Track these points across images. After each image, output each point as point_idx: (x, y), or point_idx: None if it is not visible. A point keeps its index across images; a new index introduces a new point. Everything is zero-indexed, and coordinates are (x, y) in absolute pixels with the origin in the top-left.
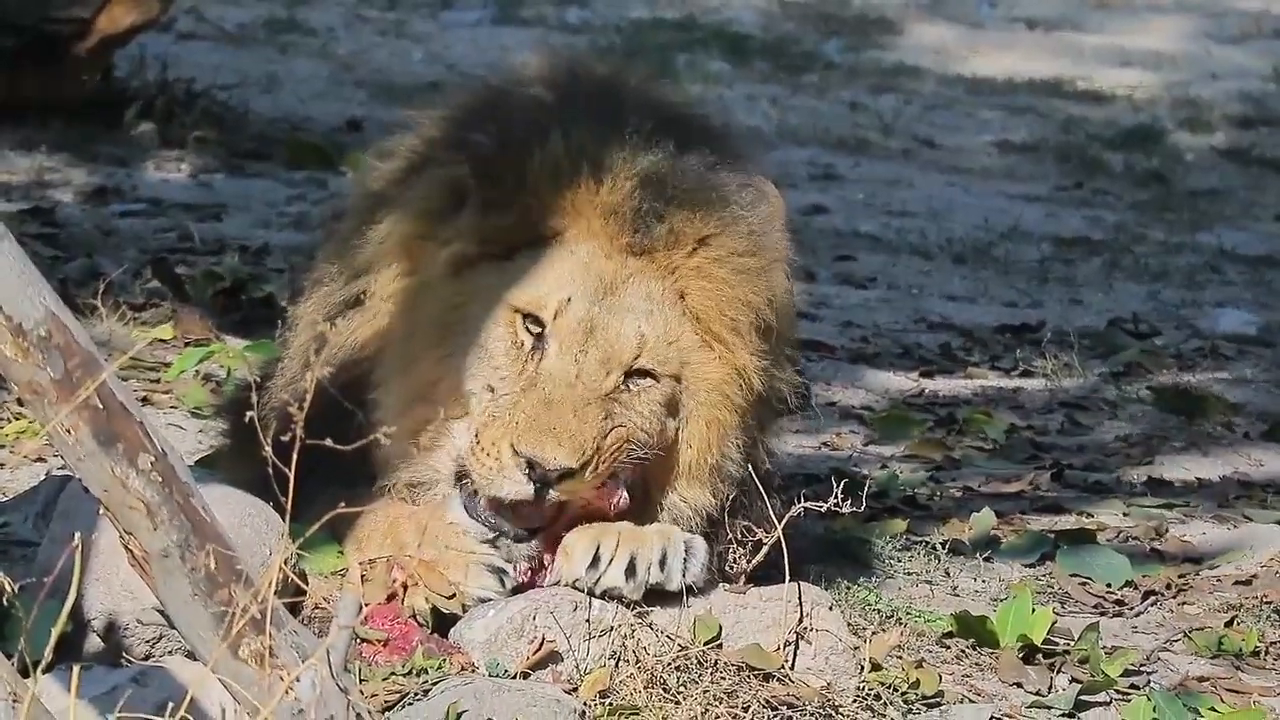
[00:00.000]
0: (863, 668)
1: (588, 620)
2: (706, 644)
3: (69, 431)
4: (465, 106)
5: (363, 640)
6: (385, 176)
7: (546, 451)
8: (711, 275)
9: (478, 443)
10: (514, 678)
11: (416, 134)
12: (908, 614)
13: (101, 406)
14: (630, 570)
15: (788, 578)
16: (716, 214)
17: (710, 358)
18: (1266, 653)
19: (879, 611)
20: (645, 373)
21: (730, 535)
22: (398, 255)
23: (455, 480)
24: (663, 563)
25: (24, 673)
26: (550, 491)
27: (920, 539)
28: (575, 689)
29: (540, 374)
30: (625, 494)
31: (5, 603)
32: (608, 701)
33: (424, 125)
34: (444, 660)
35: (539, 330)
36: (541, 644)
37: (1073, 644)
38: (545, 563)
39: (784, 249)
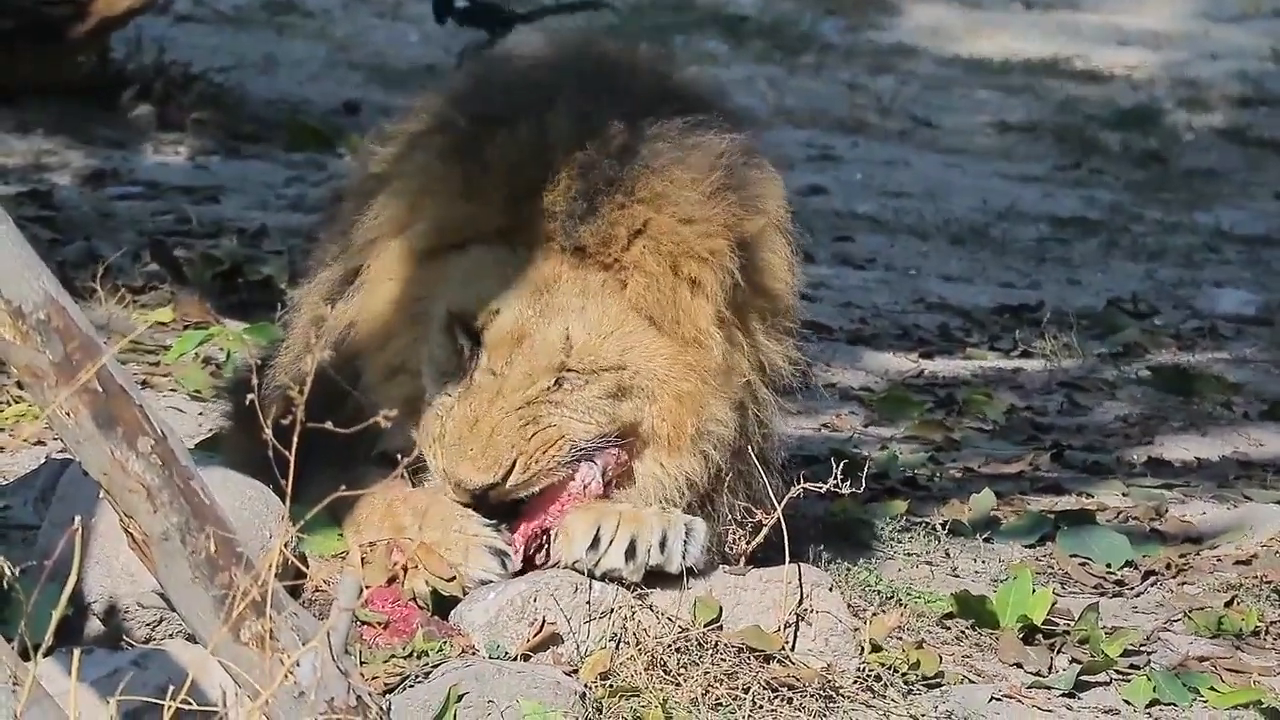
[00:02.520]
0: (863, 649)
1: (588, 602)
2: (707, 625)
3: (68, 415)
4: (458, 90)
5: (363, 623)
6: (384, 159)
7: (463, 473)
8: (647, 268)
9: (429, 438)
10: (515, 660)
11: (414, 117)
12: (908, 595)
13: (101, 390)
14: (630, 552)
15: (787, 559)
16: (655, 197)
17: (659, 335)
18: (1266, 632)
19: (879, 593)
20: (575, 372)
21: (730, 516)
22: (391, 235)
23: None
24: (663, 544)
25: (24, 656)
26: (489, 495)
27: (920, 520)
28: (576, 671)
29: (471, 385)
30: (598, 475)
31: (5, 586)
32: (608, 683)
33: (421, 109)
34: (445, 643)
35: (475, 335)
36: (542, 626)
37: (1073, 624)
38: (518, 545)
39: (778, 214)
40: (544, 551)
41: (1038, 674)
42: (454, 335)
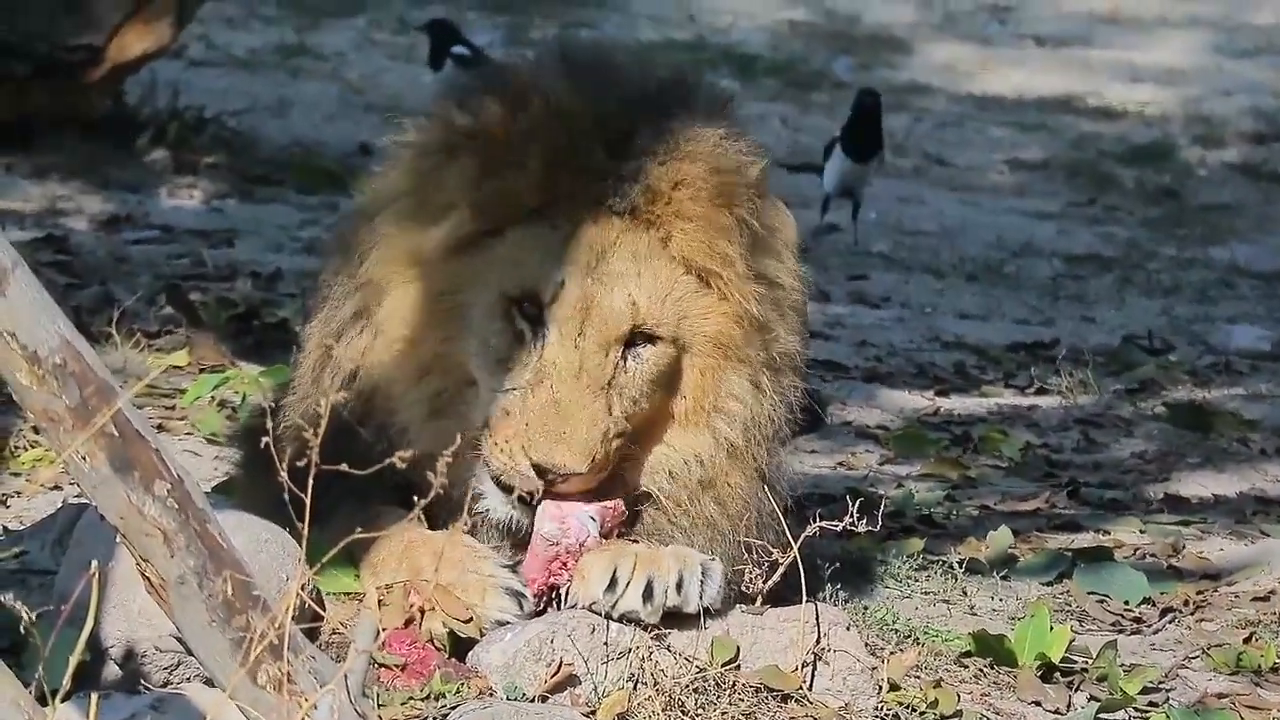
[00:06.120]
0: (881, 688)
1: (605, 643)
2: (724, 665)
3: (85, 459)
4: (453, 94)
5: (380, 665)
6: (385, 175)
7: (558, 459)
8: (689, 213)
9: (493, 438)
10: (532, 701)
11: (415, 132)
12: (925, 633)
13: (117, 433)
14: (648, 593)
15: (804, 598)
16: (688, 154)
17: (708, 305)
18: None
19: (896, 631)
20: (646, 337)
21: (747, 556)
22: (407, 248)
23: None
24: (679, 585)
25: (42, 701)
26: (559, 487)
27: (937, 558)
28: (593, 712)
29: (544, 366)
30: (594, 532)
31: (23, 631)
32: None
33: (415, 125)
34: (462, 684)
35: (535, 314)
36: (559, 667)
37: (1091, 662)
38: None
39: (791, 238)
40: (553, 606)
41: (1056, 712)
42: (511, 319)
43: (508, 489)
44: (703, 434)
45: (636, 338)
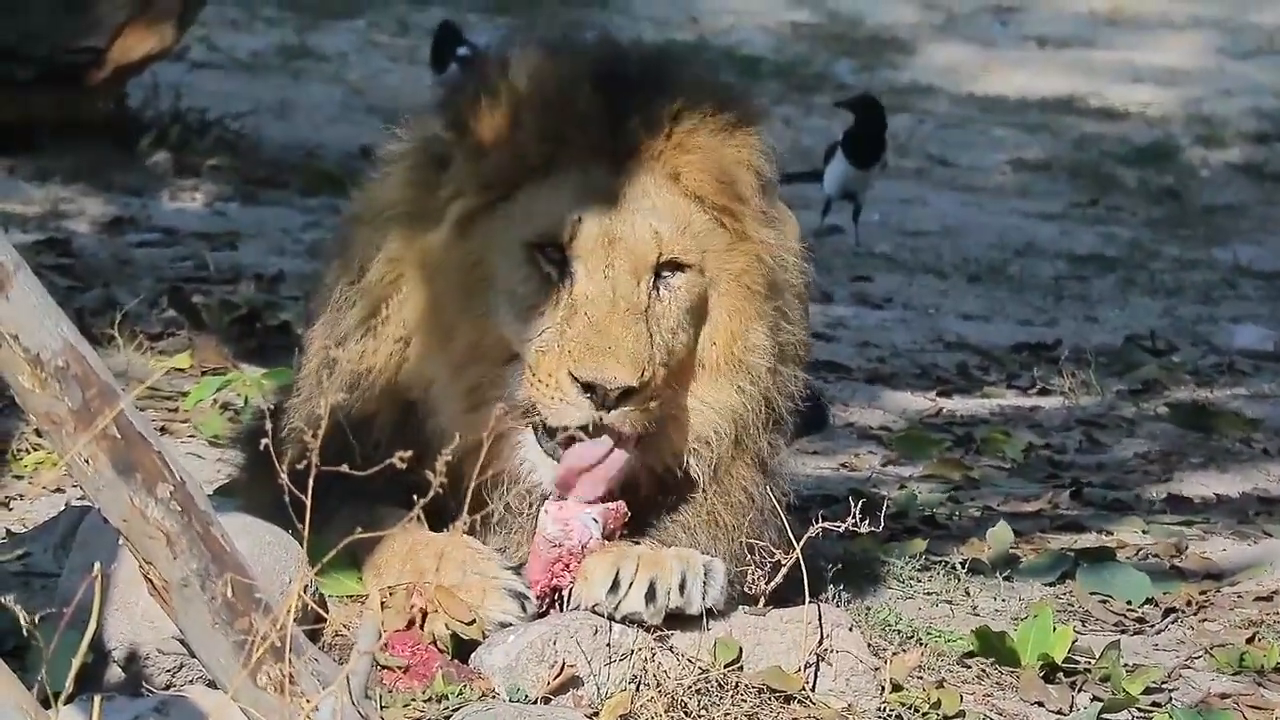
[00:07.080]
0: (883, 688)
1: (608, 644)
2: (727, 666)
3: (87, 461)
4: (437, 103)
5: (383, 667)
6: (382, 183)
7: (606, 372)
8: (694, 147)
9: (535, 375)
10: (535, 703)
11: (409, 133)
12: (928, 634)
13: (120, 436)
14: (650, 595)
15: (807, 599)
16: (682, 87)
17: (726, 243)
18: None
19: (899, 632)
20: (674, 265)
21: (749, 556)
22: (406, 253)
23: (524, 416)
24: (682, 586)
25: (45, 704)
26: (609, 415)
27: (940, 559)
28: (596, 713)
29: (576, 300)
30: (596, 533)
31: (26, 633)
32: None
33: (414, 125)
34: (464, 686)
35: (559, 257)
36: (562, 668)
37: (1094, 662)
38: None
39: (794, 235)
40: (556, 608)
41: (1059, 712)
42: (537, 264)
43: (552, 433)
44: (730, 389)
45: (664, 267)
